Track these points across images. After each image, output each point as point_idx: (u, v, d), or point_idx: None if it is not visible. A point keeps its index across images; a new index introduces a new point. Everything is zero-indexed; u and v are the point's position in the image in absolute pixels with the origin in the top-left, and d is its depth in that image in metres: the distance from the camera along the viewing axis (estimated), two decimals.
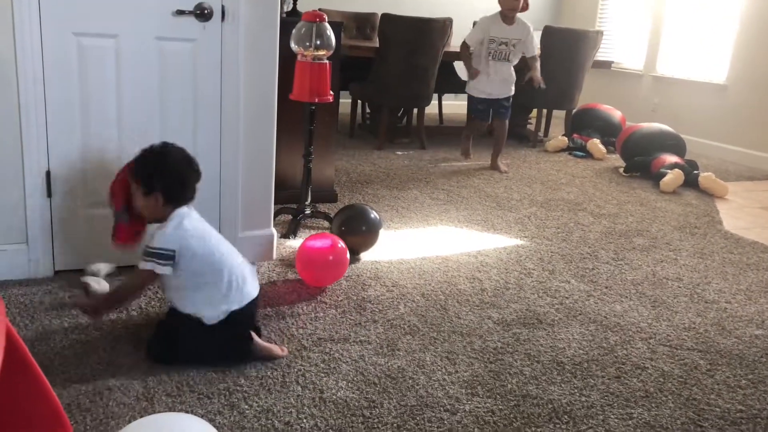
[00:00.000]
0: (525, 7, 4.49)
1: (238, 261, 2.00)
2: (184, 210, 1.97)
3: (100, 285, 2.21)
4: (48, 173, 2.31)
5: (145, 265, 1.89)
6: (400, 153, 5.00)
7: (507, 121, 4.74)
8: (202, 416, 1.66)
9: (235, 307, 1.92)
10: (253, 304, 2.00)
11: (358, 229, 2.85)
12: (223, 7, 2.39)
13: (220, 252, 1.97)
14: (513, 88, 4.67)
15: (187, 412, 1.68)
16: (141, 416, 1.62)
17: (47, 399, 0.65)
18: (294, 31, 2.88)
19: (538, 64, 4.66)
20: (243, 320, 1.96)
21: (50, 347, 1.93)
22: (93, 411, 1.66)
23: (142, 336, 2.02)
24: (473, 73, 4.58)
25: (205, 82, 2.46)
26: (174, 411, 1.68)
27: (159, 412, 1.67)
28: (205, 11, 2.36)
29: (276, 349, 2.00)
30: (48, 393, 0.65)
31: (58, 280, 2.35)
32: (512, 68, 4.64)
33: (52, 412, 0.64)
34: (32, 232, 2.33)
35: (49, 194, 2.33)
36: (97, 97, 2.33)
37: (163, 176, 1.94)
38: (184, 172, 1.98)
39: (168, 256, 1.88)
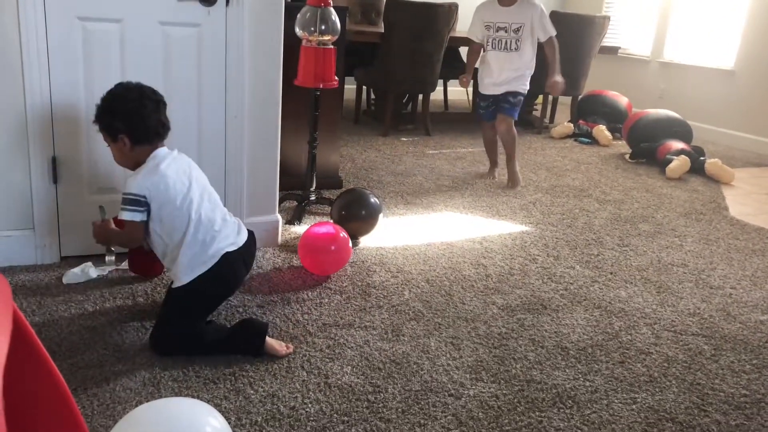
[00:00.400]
0: None
1: (209, 213, 1.91)
2: (162, 151, 1.93)
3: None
4: (54, 159, 2.32)
5: (122, 215, 1.87)
6: (405, 139, 4.98)
7: (511, 120, 3.84)
8: (207, 401, 1.67)
9: (203, 269, 1.87)
10: (227, 262, 1.90)
11: (357, 214, 2.85)
12: None
13: (189, 199, 1.88)
14: (525, 83, 3.81)
15: (193, 397, 1.69)
16: (147, 401, 1.64)
17: (55, 383, 0.66)
18: (299, 15, 2.87)
19: (557, 56, 3.82)
20: (215, 281, 1.89)
21: (57, 332, 1.94)
22: (99, 395, 1.67)
23: (147, 322, 2.04)
24: (461, 80, 3.85)
25: (210, 67, 2.46)
26: (180, 396, 1.69)
27: (165, 397, 1.69)
28: None
29: (282, 350, 1.93)
30: (56, 377, 0.66)
31: (64, 266, 2.37)
32: (523, 59, 3.77)
33: (60, 396, 0.65)
34: (39, 218, 2.34)
35: (55, 180, 2.34)
36: (102, 82, 2.31)
37: (118, 116, 1.89)
38: (138, 105, 1.90)
39: (139, 202, 1.84)
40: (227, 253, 1.92)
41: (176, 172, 1.92)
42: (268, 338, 1.91)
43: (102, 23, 2.28)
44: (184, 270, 1.88)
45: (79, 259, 2.39)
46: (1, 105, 2.20)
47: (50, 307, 2.09)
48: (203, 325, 1.93)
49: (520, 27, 3.73)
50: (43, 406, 0.58)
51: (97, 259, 2.39)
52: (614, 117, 5.61)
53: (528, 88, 3.84)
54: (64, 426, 0.67)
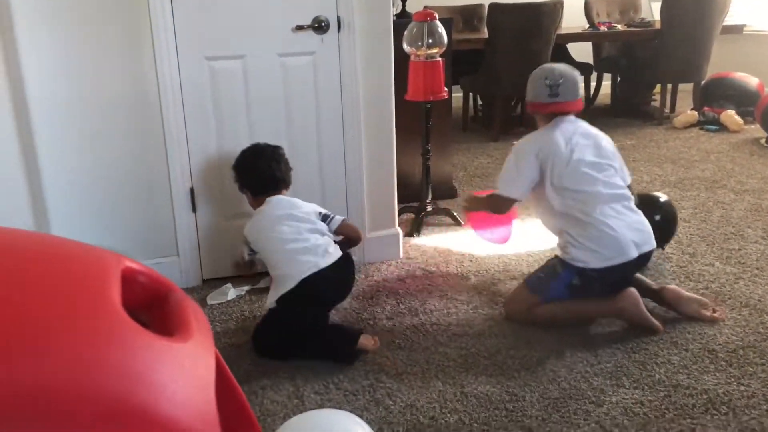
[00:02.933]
0: None
1: (290, 245, 2.08)
2: (270, 199, 2.22)
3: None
4: (192, 190, 2.51)
5: (243, 249, 2.26)
6: (516, 143, 4.90)
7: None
8: (350, 412, 1.73)
9: (282, 291, 2.05)
10: (308, 284, 2.03)
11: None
12: (339, 18, 2.48)
13: (278, 238, 2.11)
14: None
15: (335, 408, 1.75)
16: (293, 413, 1.72)
17: (238, 399, 0.72)
18: (406, 32, 2.92)
19: None
20: (296, 301, 2.03)
21: None
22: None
23: None
24: None
25: (326, 91, 2.56)
26: (324, 408, 1.76)
27: (309, 409, 1.76)
28: (323, 24, 2.46)
29: (369, 344, 2.02)
30: (238, 394, 0.72)
31: (206, 288, 2.54)
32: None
33: (242, 411, 0.71)
34: (182, 244, 2.54)
35: (194, 209, 2.53)
36: (229, 114, 2.49)
37: (240, 173, 2.30)
38: (254, 165, 2.27)
39: (248, 243, 2.21)
40: (307, 276, 2.05)
41: (267, 216, 2.19)
42: (361, 340, 2.01)
43: (227, 61, 2.44)
44: (271, 294, 2.13)
45: (220, 281, 2.56)
46: (146, 141, 2.41)
47: None
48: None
49: None
50: (232, 424, 0.64)
51: (236, 281, 2.54)
52: (744, 100, 5.21)
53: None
54: None
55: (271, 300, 2.10)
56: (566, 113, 2.28)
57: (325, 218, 2.22)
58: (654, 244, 2.15)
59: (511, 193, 2.27)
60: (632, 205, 2.18)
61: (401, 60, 2.92)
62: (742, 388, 1.79)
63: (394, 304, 2.36)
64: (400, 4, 3.39)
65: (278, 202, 2.22)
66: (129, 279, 0.66)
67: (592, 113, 4.01)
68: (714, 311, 2.17)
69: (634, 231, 2.10)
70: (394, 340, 2.11)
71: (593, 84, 5.89)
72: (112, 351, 0.54)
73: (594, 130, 2.29)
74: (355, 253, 2.72)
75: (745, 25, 5.94)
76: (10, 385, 0.48)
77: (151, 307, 0.69)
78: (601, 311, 2.15)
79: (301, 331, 2.04)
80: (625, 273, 2.15)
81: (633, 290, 2.10)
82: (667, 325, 2.12)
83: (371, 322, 2.23)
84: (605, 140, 2.28)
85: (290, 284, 2.05)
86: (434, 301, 2.38)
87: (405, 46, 2.93)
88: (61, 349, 0.51)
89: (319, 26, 2.46)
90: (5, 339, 0.51)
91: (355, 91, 2.57)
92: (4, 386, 0.48)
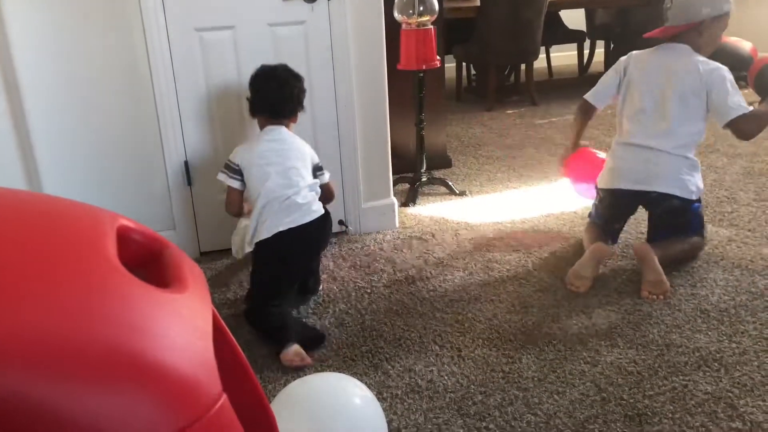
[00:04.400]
0: None
1: (275, 192, 2.04)
2: (271, 128, 2.18)
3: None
4: (186, 163, 2.50)
5: (219, 175, 2.17)
6: (510, 111, 4.90)
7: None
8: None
9: (259, 237, 2.02)
10: (283, 237, 2.01)
11: None
12: None
13: (265, 174, 2.05)
14: None
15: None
16: (294, 380, 1.74)
17: (244, 366, 0.73)
18: (396, 0, 2.90)
19: None
20: (269, 253, 2.03)
21: None
22: None
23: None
24: None
25: (318, 61, 2.54)
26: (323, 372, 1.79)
27: (309, 375, 1.78)
28: None
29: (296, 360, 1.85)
30: (243, 361, 0.73)
31: (204, 260, 2.55)
32: None
33: (248, 379, 0.72)
34: (178, 218, 2.54)
35: (189, 182, 2.53)
36: (221, 85, 2.48)
37: (250, 89, 2.23)
38: (261, 85, 2.20)
39: (234, 169, 2.14)
40: (281, 232, 2.02)
41: (265, 148, 2.13)
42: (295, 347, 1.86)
43: (216, 32, 2.42)
44: (249, 237, 2.08)
45: (217, 254, 2.57)
46: (138, 116, 2.40)
47: None
48: (273, 308, 2.01)
49: None
50: (245, 411, 0.65)
51: None
52: (737, 65, 5.17)
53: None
54: (256, 414, 0.74)
55: (248, 239, 2.08)
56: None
57: (316, 170, 2.23)
58: (660, 188, 2.25)
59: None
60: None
61: (393, 29, 2.90)
62: (734, 345, 1.82)
63: (390, 273, 2.38)
64: None
65: (277, 134, 2.17)
66: (124, 236, 0.67)
67: (586, 81, 4.01)
68: (655, 296, 2.10)
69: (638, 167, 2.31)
70: (392, 307, 2.13)
71: (587, 51, 5.86)
72: (108, 301, 0.55)
73: None
74: (351, 222, 2.75)
75: None
76: (4, 333, 0.49)
77: (147, 263, 0.70)
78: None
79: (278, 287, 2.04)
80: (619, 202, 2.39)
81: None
82: None
83: (368, 291, 2.25)
84: None
85: (265, 234, 2.02)
86: (430, 268, 2.40)
87: (396, 14, 2.90)
88: (54, 300, 0.52)
89: None
90: None
91: (346, 60, 2.55)
92: None
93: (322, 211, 2.12)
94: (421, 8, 2.88)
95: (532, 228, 2.72)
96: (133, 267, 0.61)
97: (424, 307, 2.12)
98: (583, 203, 2.96)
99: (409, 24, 2.91)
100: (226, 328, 0.73)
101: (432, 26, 2.93)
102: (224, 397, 0.59)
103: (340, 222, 2.72)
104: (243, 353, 0.78)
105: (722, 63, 5.66)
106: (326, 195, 2.29)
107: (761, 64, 4.78)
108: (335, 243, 2.65)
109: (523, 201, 3.05)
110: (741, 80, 5.06)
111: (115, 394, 0.51)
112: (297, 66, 2.52)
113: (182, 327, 0.58)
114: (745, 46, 5.38)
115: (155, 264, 0.70)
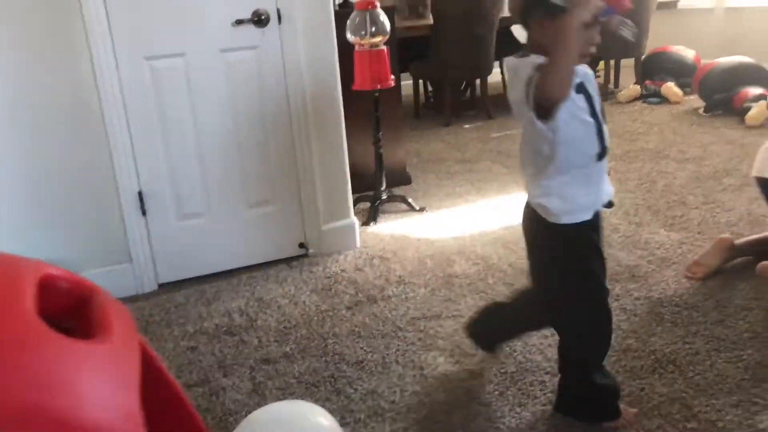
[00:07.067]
0: None
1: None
2: None
3: None
4: (140, 193, 2.47)
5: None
6: (467, 126, 4.97)
7: None
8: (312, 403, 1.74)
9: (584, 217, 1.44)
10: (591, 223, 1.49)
11: None
12: (278, 10, 2.46)
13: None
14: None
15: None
16: (254, 410, 1.73)
17: (183, 406, 0.72)
18: (348, 22, 2.93)
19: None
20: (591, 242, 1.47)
21: (164, 355, 2.07)
22: (211, 410, 1.78)
23: (245, 335, 2.14)
24: None
25: (271, 84, 2.55)
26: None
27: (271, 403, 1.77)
28: (262, 17, 2.44)
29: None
30: (183, 400, 0.72)
31: (162, 292, 2.51)
32: None
33: (189, 418, 0.71)
34: (134, 250, 2.50)
35: (144, 212, 2.49)
36: (174, 113, 2.46)
37: None
38: None
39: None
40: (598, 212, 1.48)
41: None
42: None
43: (167, 59, 2.41)
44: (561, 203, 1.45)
45: (176, 285, 2.54)
46: (89, 146, 2.36)
47: (155, 332, 2.23)
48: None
49: None
50: (170, 422, 0.64)
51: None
52: (682, 72, 5.38)
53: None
54: None
55: (556, 208, 1.45)
56: None
57: None
58: None
59: None
60: None
61: (347, 50, 2.93)
62: (687, 346, 1.87)
63: (352, 294, 2.38)
64: None
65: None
66: (48, 285, 0.65)
67: None
68: None
69: None
70: (354, 329, 2.13)
71: None
72: (24, 357, 0.54)
73: None
74: (312, 245, 2.74)
75: (678, 0, 6.11)
76: None
77: (74, 311, 0.69)
78: None
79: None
80: None
81: None
82: (617, 294, 2.19)
83: (330, 314, 2.24)
84: None
85: (586, 215, 1.48)
86: (392, 287, 2.41)
87: (348, 36, 2.93)
88: None
89: (259, 20, 2.44)
90: None
91: (300, 83, 2.56)
92: None
93: None
94: (373, 29, 2.91)
95: (491, 241, 2.75)
96: (58, 317, 0.60)
97: (386, 327, 2.13)
98: None
99: (362, 45, 2.94)
100: (163, 368, 0.72)
101: (385, 46, 2.97)
102: None
103: (301, 245, 2.71)
104: (181, 390, 0.77)
105: (669, 70, 5.83)
106: None
107: (705, 69, 4.95)
108: (296, 266, 2.64)
109: (481, 214, 3.09)
110: (687, 86, 5.25)
111: None
112: (250, 90, 2.53)
113: (102, 379, 0.57)
114: (689, 54, 5.57)
115: (83, 311, 0.69)
